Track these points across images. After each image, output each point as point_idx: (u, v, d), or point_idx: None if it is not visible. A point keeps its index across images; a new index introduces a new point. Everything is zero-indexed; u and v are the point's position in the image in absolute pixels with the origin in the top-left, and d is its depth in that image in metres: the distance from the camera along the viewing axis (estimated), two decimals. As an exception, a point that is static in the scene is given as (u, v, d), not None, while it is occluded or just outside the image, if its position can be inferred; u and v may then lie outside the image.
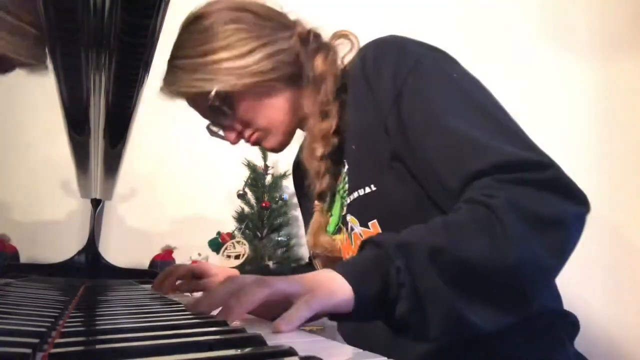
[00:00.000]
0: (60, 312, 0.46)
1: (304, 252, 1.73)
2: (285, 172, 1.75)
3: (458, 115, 0.59)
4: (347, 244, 0.71)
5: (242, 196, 1.68)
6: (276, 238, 1.66)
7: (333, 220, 0.76)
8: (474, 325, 0.48)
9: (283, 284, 0.46)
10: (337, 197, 0.74)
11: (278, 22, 0.78)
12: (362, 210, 0.67)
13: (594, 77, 1.29)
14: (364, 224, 0.67)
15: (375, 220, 0.65)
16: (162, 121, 1.82)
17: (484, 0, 1.58)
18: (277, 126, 0.79)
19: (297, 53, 0.76)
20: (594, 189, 1.16)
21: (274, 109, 0.77)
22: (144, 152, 1.69)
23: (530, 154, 0.55)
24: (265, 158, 1.71)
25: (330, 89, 0.73)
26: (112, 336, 0.34)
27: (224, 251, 1.54)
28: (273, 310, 0.48)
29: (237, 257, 1.52)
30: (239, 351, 0.30)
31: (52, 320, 0.39)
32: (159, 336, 0.34)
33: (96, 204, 1.39)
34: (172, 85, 0.78)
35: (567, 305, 0.71)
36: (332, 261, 0.73)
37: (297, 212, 1.80)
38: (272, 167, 1.73)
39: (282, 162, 1.83)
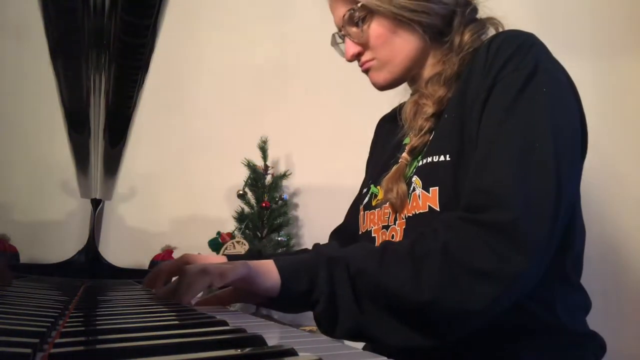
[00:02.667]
0: (60, 312, 0.46)
1: (304, 252, 1.73)
2: (285, 172, 1.75)
3: (514, 145, 0.61)
4: (406, 203, 0.73)
5: (242, 196, 1.68)
6: (276, 238, 1.66)
7: (407, 176, 0.77)
8: (377, 339, 0.57)
9: (221, 270, 0.57)
10: (414, 160, 0.76)
11: None
12: (429, 175, 0.69)
13: (594, 77, 1.29)
14: (426, 188, 0.68)
15: (437, 187, 0.67)
16: (162, 121, 1.82)
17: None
18: (396, 65, 0.79)
19: (452, 14, 0.76)
20: (595, 189, 1.16)
21: (403, 49, 0.77)
22: (144, 152, 1.69)
23: (508, 190, 0.57)
24: (265, 158, 1.71)
25: (461, 65, 0.74)
26: (112, 336, 0.34)
27: (224, 251, 1.54)
28: (250, 296, 0.62)
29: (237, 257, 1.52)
30: (239, 351, 0.30)
31: (52, 320, 0.39)
32: (159, 336, 0.34)
33: (96, 204, 1.39)
34: None
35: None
36: (393, 209, 0.74)
37: (297, 212, 1.80)
38: (272, 167, 1.73)
39: (282, 162, 1.83)
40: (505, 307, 0.58)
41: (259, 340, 0.33)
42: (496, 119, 0.63)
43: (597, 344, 0.70)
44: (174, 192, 1.83)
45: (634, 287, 1.18)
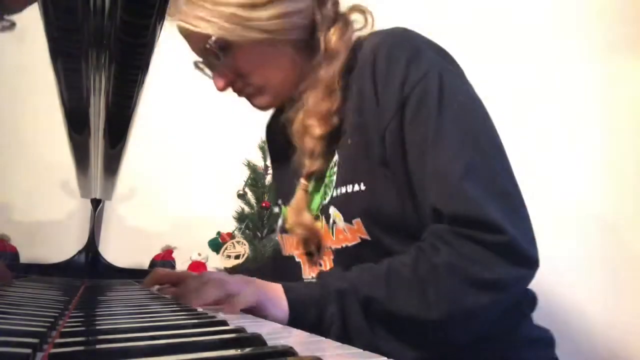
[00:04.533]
0: (60, 312, 0.46)
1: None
2: (285, 172, 1.75)
3: (452, 146, 0.61)
4: (327, 234, 0.71)
5: (242, 196, 1.68)
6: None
7: (315, 203, 0.74)
8: (391, 355, 0.56)
9: (235, 287, 0.57)
10: (322, 184, 0.72)
11: None
12: (348, 206, 0.67)
13: (596, 77, 1.29)
14: (348, 220, 0.66)
15: (359, 219, 0.65)
16: (162, 121, 1.82)
17: None
18: (273, 87, 0.74)
19: (313, 18, 0.71)
20: (597, 190, 1.16)
21: (276, 70, 0.73)
22: (144, 152, 1.69)
23: (494, 216, 0.57)
24: (265, 158, 1.71)
25: (339, 68, 0.70)
26: (112, 336, 0.34)
27: (224, 251, 1.54)
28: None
29: (237, 257, 1.52)
30: (239, 351, 0.30)
31: (52, 320, 0.39)
32: (159, 336, 0.34)
33: (96, 204, 1.39)
34: (172, 15, 0.70)
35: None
36: (306, 242, 0.72)
37: (297, 212, 1.81)
38: (272, 167, 1.73)
39: (282, 162, 1.83)
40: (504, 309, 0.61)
41: (259, 340, 0.33)
42: (428, 134, 0.61)
43: (529, 297, 0.71)
44: (174, 192, 1.83)
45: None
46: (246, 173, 1.70)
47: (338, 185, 0.68)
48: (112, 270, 1.37)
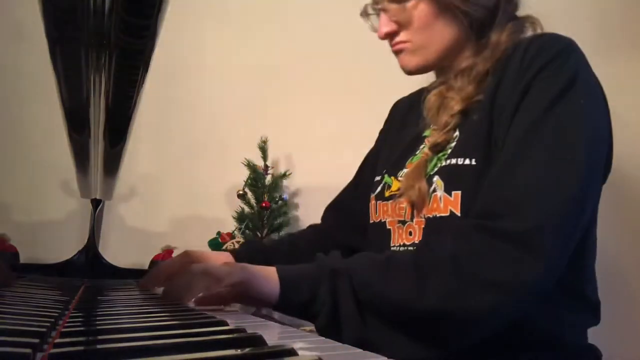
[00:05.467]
0: (60, 312, 0.46)
1: (304, 252, 1.73)
2: (285, 172, 1.75)
3: (542, 154, 0.59)
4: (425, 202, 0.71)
5: (242, 196, 1.68)
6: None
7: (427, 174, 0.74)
8: (381, 350, 0.53)
9: (220, 270, 0.59)
10: (436, 157, 0.72)
11: None
12: (453, 177, 0.67)
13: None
14: (448, 191, 0.66)
15: (460, 192, 0.65)
16: (162, 121, 1.82)
17: None
18: (431, 51, 0.75)
19: (496, 9, 0.73)
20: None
21: (442, 36, 0.74)
22: (144, 152, 1.69)
23: (526, 206, 0.56)
24: (265, 158, 1.71)
25: (494, 62, 0.71)
26: (112, 336, 0.34)
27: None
28: (249, 299, 0.61)
29: (237, 257, 1.52)
30: (239, 351, 0.30)
31: (52, 320, 0.39)
32: (159, 336, 0.34)
33: (96, 204, 1.39)
34: None
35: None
36: (412, 206, 0.71)
37: (297, 212, 1.80)
38: (272, 167, 1.73)
39: (282, 162, 1.83)
40: (513, 318, 0.57)
41: (259, 340, 0.33)
42: (526, 124, 0.61)
43: (592, 356, 0.69)
44: (174, 192, 1.83)
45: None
46: (246, 173, 1.70)
47: (451, 156, 0.68)
48: (112, 270, 1.37)
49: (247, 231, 1.64)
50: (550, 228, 0.55)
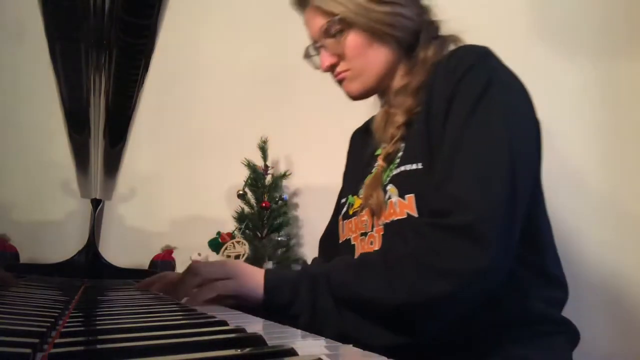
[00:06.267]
0: (60, 312, 0.46)
1: (304, 252, 1.72)
2: (285, 172, 1.75)
3: (472, 152, 0.66)
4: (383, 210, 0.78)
5: (242, 196, 1.68)
6: (276, 238, 1.65)
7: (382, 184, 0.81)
8: (360, 342, 0.60)
9: (209, 268, 0.67)
10: (388, 168, 0.80)
11: None
12: (404, 182, 0.73)
13: (595, 78, 1.29)
14: (402, 195, 0.73)
15: (412, 195, 0.71)
16: (163, 121, 1.82)
17: None
18: (369, 76, 0.83)
19: (419, 31, 0.82)
20: (597, 189, 1.16)
21: (376, 61, 0.82)
22: (144, 152, 1.69)
23: (469, 198, 0.62)
24: (265, 158, 1.71)
25: (425, 77, 0.78)
26: (112, 336, 0.34)
27: (224, 251, 1.54)
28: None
29: (237, 257, 1.52)
30: (239, 351, 0.30)
31: (52, 320, 0.39)
32: (159, 336, 0.34)
33: (96, 204, 1.39)
34: (303, 6, 0.86)
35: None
36: (372, 215, 0.78)
37: (297, 212, 1.80)
38: (272, 167, 1.73)
39: (282, 162, 1.83)
40: (477, 301, 0.63)
41: (259, 340, 0.33)
42: (456, 127, 0.68)
43: (571, 331, 0.73)
44: (174, 192, 1.83)
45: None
46: (246, 173, 1.70)
47: (400, 164, 0.76)
48: (112, 270, 1.38)
49: (247, 231, 1.64)
50: (491, 218, 0.61)
